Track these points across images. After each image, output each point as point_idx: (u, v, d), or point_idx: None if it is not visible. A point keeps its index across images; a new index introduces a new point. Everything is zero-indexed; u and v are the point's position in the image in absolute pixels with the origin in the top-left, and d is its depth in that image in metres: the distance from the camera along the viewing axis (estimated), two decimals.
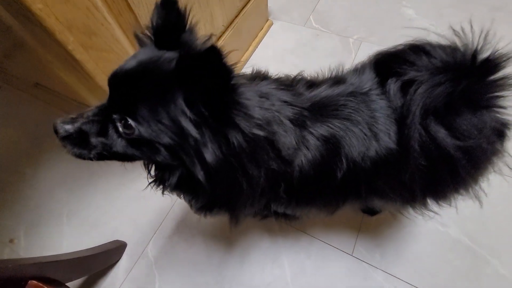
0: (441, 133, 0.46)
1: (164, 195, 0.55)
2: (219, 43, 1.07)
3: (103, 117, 0.40)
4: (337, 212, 0.86)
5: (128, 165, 0.68)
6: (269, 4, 1.38)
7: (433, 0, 1.39)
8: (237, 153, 0.39)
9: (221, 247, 0.90)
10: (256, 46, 1.33)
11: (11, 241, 0.97)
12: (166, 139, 0.38)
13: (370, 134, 0.50)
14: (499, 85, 0.45)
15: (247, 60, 1.29)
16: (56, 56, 0.61)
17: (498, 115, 0.46)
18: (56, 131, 0.40)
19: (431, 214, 0.70)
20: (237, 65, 0.38)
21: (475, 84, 0.45)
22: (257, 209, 0.59)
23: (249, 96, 0.41)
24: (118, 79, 0.39)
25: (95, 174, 1.07)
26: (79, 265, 0.75)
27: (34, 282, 0.58)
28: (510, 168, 0.55)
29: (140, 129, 0.37)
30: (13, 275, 0.56)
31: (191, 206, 0.54)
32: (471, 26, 0.50)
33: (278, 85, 0.54)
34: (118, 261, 0.90)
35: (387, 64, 0.55)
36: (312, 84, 0.57)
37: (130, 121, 0.37)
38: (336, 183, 0.51)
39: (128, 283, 0.87)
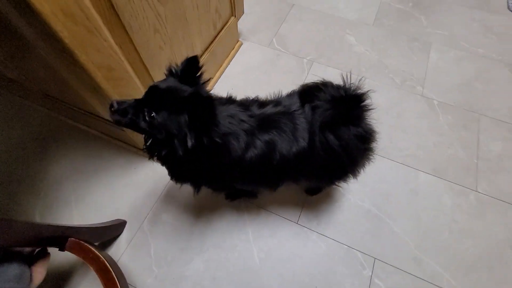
0: (330, 137, 0.79)
1: (151, 161, 0.82)
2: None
3: (139, 106, 0.68)
4: (283, 191, 1.19)
5: (122, 160, 0.97)
6: (239, 27, 1.68)
7: (368, 31, 1.77)
8: (204, 147, 0.69)
9: (200, 222, 1.20)
10: (229, 63, 1.63)
11: None
12: (170, 128, 0.67)
13: (292, 138, 0.82)
14: (362, 111, 0.79)
15: (221, 74, 1.59)
16: (83, 83, 0.88)
17: (359, 128, 0.80)
18: (111, 105, 0.66)
19: (344, 188, 1.06)
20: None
21: (348, 109, 0.78)
22: (224, 186, 0.90)
23: (220, 114, 0.72)
24: (154, 90, 0.68)
25: (96, 168, 1.32)
26: (96, 233, 1.02)
27: (73, 239, 0.85)
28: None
29: (159, 120, 0.66)
30: (60, 235, 0.82)
31: (168, 174, 0.84)
32: (350, 75, 0.84)
33: (240, 107, 0.84)
34: (120, 234, 1.17)
35: (306, 94, 0.88)
36: (262, 104, 0.89)
37: (155, 115, 0.66)
38: (273, 168, 0.83)
39: (130, 249, 1.14)
